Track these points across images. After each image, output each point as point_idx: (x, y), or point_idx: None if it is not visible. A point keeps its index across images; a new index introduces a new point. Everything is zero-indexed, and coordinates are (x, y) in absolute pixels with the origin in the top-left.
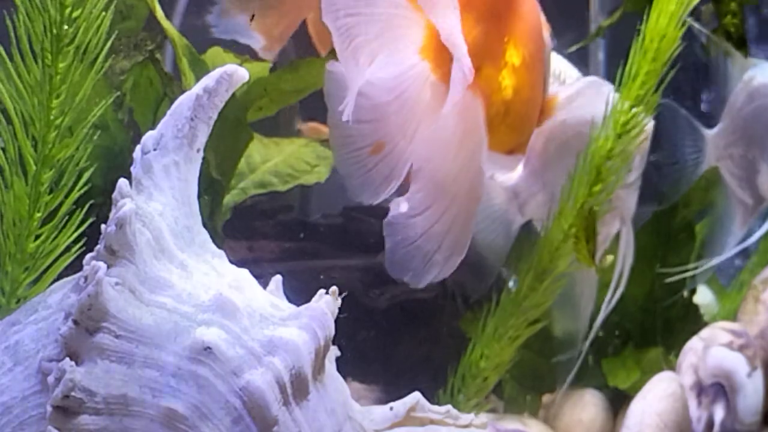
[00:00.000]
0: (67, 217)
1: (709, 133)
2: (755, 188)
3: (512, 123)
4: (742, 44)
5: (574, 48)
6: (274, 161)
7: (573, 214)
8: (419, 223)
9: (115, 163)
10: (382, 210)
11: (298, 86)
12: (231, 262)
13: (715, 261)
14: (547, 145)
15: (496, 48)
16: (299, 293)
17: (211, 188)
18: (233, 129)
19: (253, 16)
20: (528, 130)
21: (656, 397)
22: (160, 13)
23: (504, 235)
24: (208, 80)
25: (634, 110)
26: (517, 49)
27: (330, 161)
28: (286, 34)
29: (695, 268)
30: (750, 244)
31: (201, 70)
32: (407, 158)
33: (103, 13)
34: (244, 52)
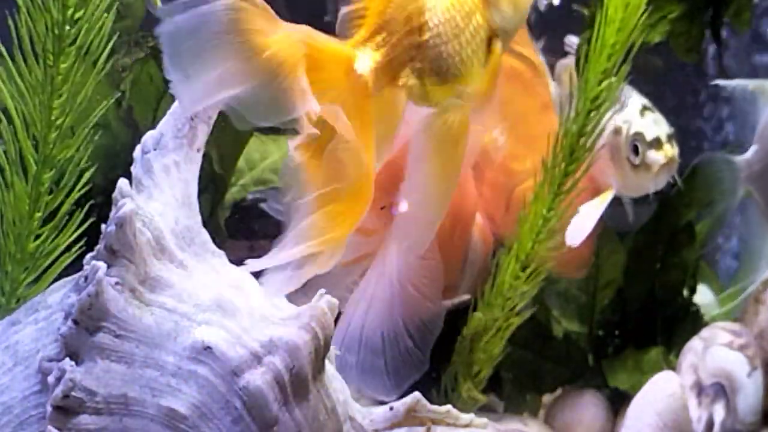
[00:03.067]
0: (67, 217)
1: (741, 159)
2: None
3: None
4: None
5: None
6: (272, 158)
7: (551, 198)
8: None
9: (116, 162)
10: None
11: None
12: (231, 262)
13: (751, 288)
14: None
15: None
16: (299, 293)
17: (212, 184)
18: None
19: None
20: None
21: (656, 397)
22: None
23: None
24: None
25: (603, 84)
26: None
27: None
28: None
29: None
30: None
31: None
32: None
33: (105, 14)
34: None
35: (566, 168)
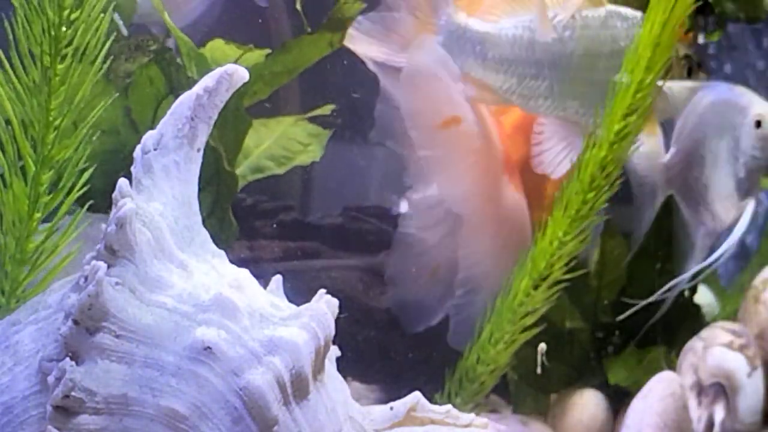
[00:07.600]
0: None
1: (660, 162)
2: (712, 210)
3: None
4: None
5: None
6: (266, 144)
7: (567, 222)
8: None
9: (124, 167)
10: (382, 210)
11: (289, 66)
12: (231, 261)
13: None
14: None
15: None
16: (299, 293)
17: (216, 178)
18: (233, 118)
19: None
20: None
21: (656, 397)
22: (159, 5)
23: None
24: (208, 80)
25: (628, 119)
26: None
27: (322, 138)
28: None
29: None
30: (713, 266)
31: (202, 64)
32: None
33: (101, 15)
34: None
35: (585, 196)
